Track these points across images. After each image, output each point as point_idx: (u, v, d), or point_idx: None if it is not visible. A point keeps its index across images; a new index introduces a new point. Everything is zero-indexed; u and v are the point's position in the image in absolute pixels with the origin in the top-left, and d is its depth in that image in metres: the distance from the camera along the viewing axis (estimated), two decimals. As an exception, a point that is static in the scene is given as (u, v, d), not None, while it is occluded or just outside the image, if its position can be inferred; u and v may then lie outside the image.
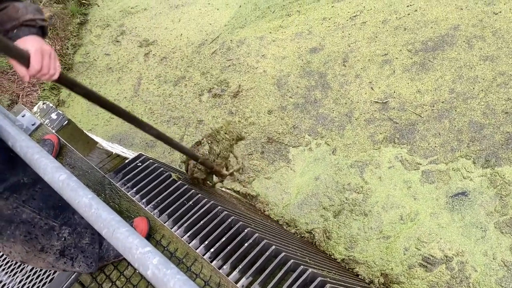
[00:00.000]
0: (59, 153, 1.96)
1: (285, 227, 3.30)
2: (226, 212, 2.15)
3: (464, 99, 3.35)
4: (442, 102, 3.40)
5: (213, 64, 4.49)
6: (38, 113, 2.25)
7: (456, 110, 3.32)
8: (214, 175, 2.59)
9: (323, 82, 3.90)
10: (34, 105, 2.70)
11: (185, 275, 0.79)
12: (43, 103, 2.27)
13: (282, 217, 3.33)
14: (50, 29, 5.39)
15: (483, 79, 3.37)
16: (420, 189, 3.07)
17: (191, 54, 4.70)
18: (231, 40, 4.63)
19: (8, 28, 1.12)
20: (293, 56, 4.20)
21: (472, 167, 3.03)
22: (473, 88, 3.36)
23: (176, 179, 2.33)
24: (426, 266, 2.76)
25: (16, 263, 1.83)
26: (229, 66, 4.39)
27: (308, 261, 2.12)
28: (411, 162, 3.21)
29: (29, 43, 1.09)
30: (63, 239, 1.40)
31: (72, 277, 1.58)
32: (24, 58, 1.06)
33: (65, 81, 1.36)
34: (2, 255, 2.00)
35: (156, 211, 1.99)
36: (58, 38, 5.35)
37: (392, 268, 2.83)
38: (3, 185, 1.14)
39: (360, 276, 2.88)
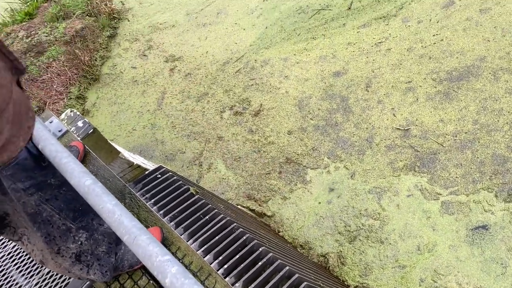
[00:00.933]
0: (82, 160, 2.01)
1: (299, 249, 3.26)
2: (241, 229, 2.15)
3: (488, 131, 3.30)
4: (465, 133, 3.36)
5: (236, 83, 4.55)
6: (65, 120, 2.31)
7: (479, 142, 3.27)
8: None
9: (345, 106, 3.90)
10: (60, 113, 2.77)
11: (202, 286, 0.80)
12: (71, 111, 2.34)
13: (296, 238, 3.30)
14: (80, 40, 5.57)
15: (508, 112, 3.32)
16: (439, 220, 3.01)
17: (215, 71, 4.78)
18: (255, 60, 4.70)
19: None
20: (316, 79, 4.23)
21: (494, 200, 2.96)
22: (498, 121, 3.31)
23: (194, 193, 2.35)
24: (443, 300, 2.68)
25: (34, 264, 1.86)
26: (252, 85, 4.45)
27: (321, 285, 2.09)
28: (431, 192, 3.16)
29: None
30: (80, 243, 1.42)
31: (86, 284, 1.59)
32: None
33: None
34: (20, 256, 2.04)
35: (172, 223, 2.00)
36: (87, 50, 5.52)
37: (406, 299, 2.76)
38: (30, 182, 1.18)
39: (373, 305, 2.81)
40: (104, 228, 1.48)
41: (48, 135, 1.13)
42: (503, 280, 2.64)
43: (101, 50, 5.64)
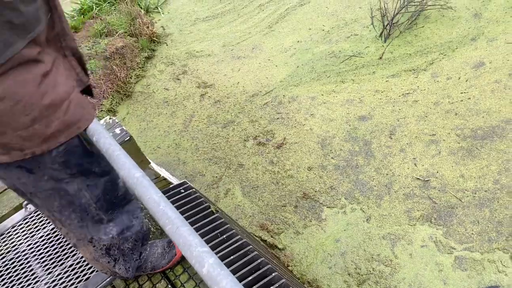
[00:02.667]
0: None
1: (306, 285, 3.25)
2: (256, 252, 2.19)
3: (508, 192, 3.30)
4: (485, 191, 3.36)
5: (262, 114, 4.67)
6: (104, 126, 2.43)
7: (498, 202, 3.27)
8: None
9: (367, 150, 3.96)
10: (98, 120, 2.90)
11: (236, 279, 0.86)
12: (110, 118, 2.47)
13: (304, 275, 3.29)
14: (119, 57, 5.84)
15: (531, 176, 3.33)
16: (451, 275, 2.98)
17: (243, 101, 4.93)
18: (283, 95, 4.84)
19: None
20: (341, 120, 4.32)
21: (509, 261, 2.93)
22: (519, 183, 3.32)
23: (214, 211, 2.41)
24: None
25: (59, 256, 1.92)
26: (277, 118, 4.56)
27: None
28: (445, 245, 3.15)
29: None
30: (111, 236, 1.48)
31: (107, 280, 1.64)
32: None
33: None
34: (40, 249, 2.11)
35: (191, 236, 2.05)
36: (124, 67, 5.77)
37: None
38: (76, 168, 1.27)
39: None
40: (133, 224, 1.55)
41: (102, 129, 1.23)
42: None
43: (137, 69, 5.89)
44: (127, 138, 2.28)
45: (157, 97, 5.38)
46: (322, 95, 4.70)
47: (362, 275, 3.15)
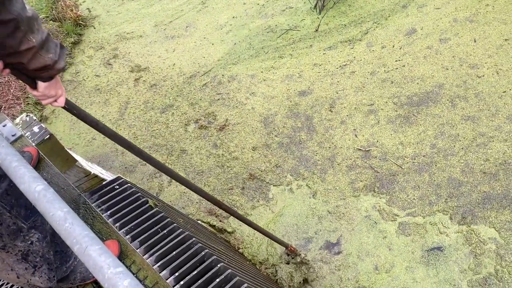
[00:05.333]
0: (36, 167, 1.90)
1: (257, 266, 3.22)
2: (200, 244, 2.10)
3: (444, 155, 3.42)
4: (423, 156, 3.47)
5: (202, 96, 4.52)
6: (20, 125, 2.19)
7: (436, 165, 3.38)
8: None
9: (309, 125, 3.95)
10: (16, 118, 2.65)
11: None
12: (27, 115, 2.23)
13: (255, 256, 3.27)
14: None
15: (464, 138, 3.46)
16: (395, 241, 3.07)
17: (181, 84, 4.74)
18: (222, 75, 4.69)
19: (34, 67, 1.17)
20: (282, 97, 4.27)
21: (449, 222, 3.06)
22: (454, 146, 3.44)
23: (152, 205, 2.28)
24: (398, 320, 2.71)
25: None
26: (218, 99, 4.43)
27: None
28: (389, 213, 3.22)
29: None
30: (30, 242, 1.32)
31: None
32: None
33: (72, 109, 1.53)
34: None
35: (128, 236, 1.93)
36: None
37: (363, 319, 2.77)
38: None
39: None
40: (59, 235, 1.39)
41: (-2, 137, 1.06)
42: (456, 301, 2.70)
43: (64, 56, 5.47)
44: (47, 137, 2.06)
45: (88, 85, 5.04)
46: (262, 72, 4.61)
47: (311, 253, 3.17)
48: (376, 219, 3.20)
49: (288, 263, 3.14)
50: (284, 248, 3.09)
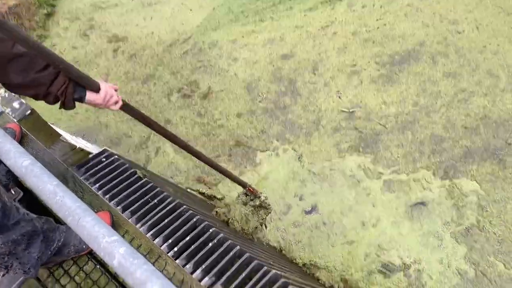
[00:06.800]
0: (20, 143, 1.88)
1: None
2: (191, 211, 2.13)
3: (426, 112, 3.47)
4: (406, 114, 3.51)
5: (183, 64, 4.45)
6: (0, 101, 2.15)
7: (419, 123, 3.44)
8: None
9: (293, 89, 3.95)
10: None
11: (152, 266, 0.78)
12: (5, 91, 2.18)
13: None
14: (14, 17, 5.18)
15: (445, 94, 3.51)
16: (380, 198, 3.15)
17: (161, 53, 4.65)
18: (203, 42, 4.61)
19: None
20: (265, 61, 4.23)
21: (432, 178, 3.14)
22: (436, 103, 3.49)
23: (141, 176, 2.29)
24: (385, 273, 2.83)
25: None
26: (200, 67, 4.37)
27: (272, 263, 2.13)
28: (374, 171, 3.30)
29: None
30: None
31: (20, 279, 1.50)
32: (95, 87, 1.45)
33: (128, 109, 1.68)
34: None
35: (119, 207, 1.95)
36: (23, 28, 5.15)
37: (352, 274, 2.89)
38: None
39: (320, 281, 2.91)
40: (21, 226, 1.37)
41: (-23, 115, 1.04)
42: (439, 252, 2.82)
43: (38, 29, 5.29)
44: (28, 112, 2.03)
45: (66, 58, 4.90)
46: (243, 37, 4.54)
47: (297, 213, 3.24)
48: (361, 178, 3.28)
49: (245, 204, 3.00)
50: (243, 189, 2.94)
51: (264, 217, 2.90)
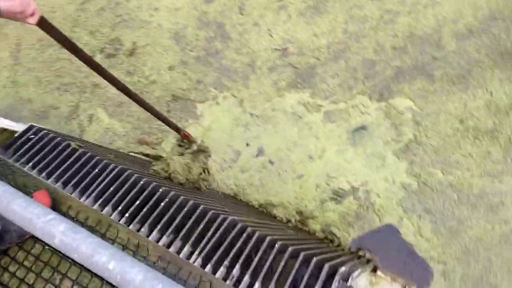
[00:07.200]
0: None
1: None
2: (136, 175, 2.06)
3: (356, 38, 3.51)
4: (337, 43, 3.53)
5: (101, 22, 4.13)
6: None
7: (350, 50, 3.48)
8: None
9: (222, 33, 3.81)
10: None
11: (98, 238, 0.73)
12: None
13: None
14: None
15: (372, 18, 3.55)
16: (322, 129, 3.22)
17: (74, 12, 4.27)
18: (118, -6, 4.27)
19: None
20: (188, 7, 4.02)
21: (369, 102, 3.24)
22: (364, 27, 3.53)
23: (76, 147, 2.16)
24: (337, 199, 2.96)
25: None
26: (119, 22, 4.08)
27: (228, 210, 2.14)
28: (313, 105, 3.34)
29: None
30: None
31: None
32: None
33: (47, 26, 1.55)
34: None
35: (59, 183, 1.83)
36: None
37: (306, 205, 2.99)
38: None
39: (278, 218, 3.00)
40: None
41: None
42: (383, 170, 2.98)
43: None
44: None
45: (-35, 32, 4.39)
46: (160, -17, 4.25)
47: (244, 157, 3.26)
48: (302, 113, 3.31)
49: (182, 154, 2.96)
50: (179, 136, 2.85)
51: (205, 161, 2.86)
